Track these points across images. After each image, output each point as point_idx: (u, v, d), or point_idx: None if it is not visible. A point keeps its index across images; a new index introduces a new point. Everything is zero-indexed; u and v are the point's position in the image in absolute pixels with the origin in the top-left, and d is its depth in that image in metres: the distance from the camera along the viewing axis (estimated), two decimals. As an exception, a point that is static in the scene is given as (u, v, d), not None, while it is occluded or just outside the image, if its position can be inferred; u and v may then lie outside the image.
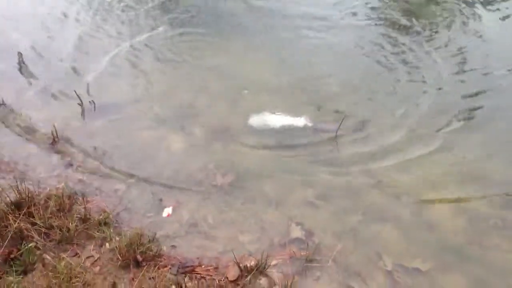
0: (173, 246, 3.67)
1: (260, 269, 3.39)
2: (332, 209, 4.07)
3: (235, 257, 3.42)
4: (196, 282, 3.32)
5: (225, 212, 4.03)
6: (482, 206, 4.19)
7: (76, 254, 3.49)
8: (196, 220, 3.92)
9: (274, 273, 3.42)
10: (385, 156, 4.66)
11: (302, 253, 3.59)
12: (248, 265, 3.42)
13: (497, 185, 4.37)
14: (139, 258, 3.42)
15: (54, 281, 3.20)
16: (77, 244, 3.56)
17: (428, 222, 4.00)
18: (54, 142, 4.73)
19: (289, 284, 3.28)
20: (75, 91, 5.29)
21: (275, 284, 3.33)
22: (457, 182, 4.43)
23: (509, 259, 3.69)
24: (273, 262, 3.49)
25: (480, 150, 4.74)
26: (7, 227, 3.52)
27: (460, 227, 3.98)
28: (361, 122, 5.07)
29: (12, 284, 3.18)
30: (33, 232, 3.52)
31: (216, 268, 3.46)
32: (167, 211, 3.98)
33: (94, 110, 5.29)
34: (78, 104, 5.30)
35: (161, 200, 4.11)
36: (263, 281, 3.36)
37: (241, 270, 3.40)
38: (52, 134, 4.74)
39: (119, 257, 3.41)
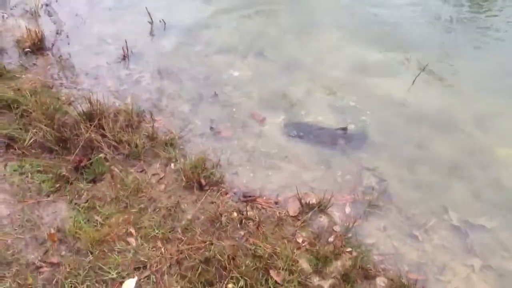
0: (235, 173, 3.68)
1: (321, 207, 3.37)
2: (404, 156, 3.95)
3: (298, 192, 3.40)
4: (257, 211, 3.34)
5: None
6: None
7: (143, 170, 3.56)
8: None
9: (335, 213, 3.38)
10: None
11: (366, 197, 3.52)
12: (310, 202, 3.39)
13: None
14: (203, 181, 3.46)
15: (122, 193, 3.30)
16: (144, 160, 3.63)
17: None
18: (124, 58, 4.74)
19: (350, 225, 3.24)
20: (146, 8, 5.22)
21: (335, 224, 3.31)
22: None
23: None
24: (336, 202, 3.44)
25: None
26: (78, 136, 3.62)
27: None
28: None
29: (82, 191, 3.30)
30: (103, 144, 3.60)
31: (277, 201, 3.45)
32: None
33: (164, 30, 5.23)
34: (148, 22, 5.24)
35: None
36: (323, 219, 3.34)
37: (302, 206, 3.38)
38: (123, 49, 4.74)
39: (183, 178, 3.46)
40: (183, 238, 3.07)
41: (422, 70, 4.68)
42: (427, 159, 3.93)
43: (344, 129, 4.16)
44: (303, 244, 3.12)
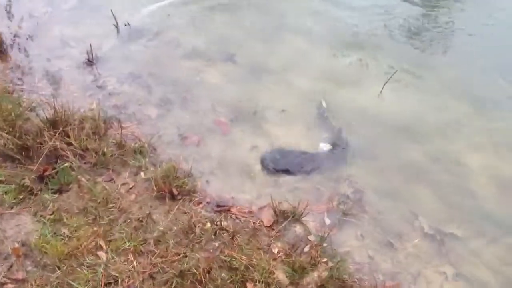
0: (207, 182, 3.59)
1: (296, 217, 3.33)
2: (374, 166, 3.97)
3: (272, 201, 3.35)
4: (231, 222, 3.27)
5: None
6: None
7: (111, 179, 3.43)
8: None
9: (310, 223, 3.35)
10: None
11: (340, 206, 3.51)
12: (284, 211, 3.35)
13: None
14: (175, 191, 3.36)
15: (90, 203, 3.16)
16: (112, 169, 3.49)
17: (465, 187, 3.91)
18: (89, 62, 4.57)
19: (325, 235, 3.22)
20: (111, 11, 5.07)
21: (310, 233, 3.28)
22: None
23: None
24: (310, 212, 3.42)
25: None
26: (42, 144, 3.45)
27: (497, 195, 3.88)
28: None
29: (48, 202, 3.14)
30: (68, 152, 3.44)
31: (251, 211, 3.39)
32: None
33: (130, 32, 5.09)
34: (113, 24, 5.09)
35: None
36: (298, 228, 3.31)
37: (276, 215, 3.34)
38: (87, 53, 4.57)
39: (154, 188, 3.35)
40: (155, 250, 2.96)
41: (390, 77, 4.73)
42: (399, 167, 3.98)
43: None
44: (279, 255, 3.08)
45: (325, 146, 4.04)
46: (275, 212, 3.35)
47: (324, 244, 3.21)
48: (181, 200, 3.36)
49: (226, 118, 4.24)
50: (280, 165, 3.80)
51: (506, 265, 3.35)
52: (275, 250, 3.10)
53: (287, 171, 3.79)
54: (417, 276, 3.17)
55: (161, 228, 3.12)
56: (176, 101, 4.35)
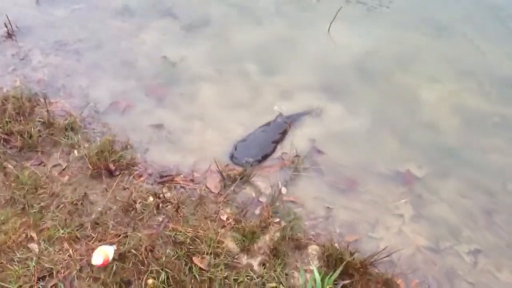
0: (147, 150, 3.33)
1: (245, 178, 3.12)
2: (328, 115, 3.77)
3: (217, 165, 3.13)
4: (175, 192, 3.05)
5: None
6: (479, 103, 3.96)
7: (41, 162, 3.14)
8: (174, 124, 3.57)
9: (260, 183, 3.15)
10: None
11: (293, 161, 3.31)
12: (232, 173, 3.14)
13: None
14: (112, 167, 3.10)
15: (18, 192, 2.88)
16: (41, 151, 3.19)
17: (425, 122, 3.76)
18: (8, 35, 4.15)
19: (276, 194, 3.04)
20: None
21: (261, 194, 3.09)
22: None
23: (506, 161, 3.51)
24: (260, 172, 3.21)
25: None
26: (-42, 132, 3.12)
27: (458, 127, 3.74)
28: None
29: (-30, 197, 2.86)
30: (-11, 139, 3.13)
31: (196, 177, 3.17)
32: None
33: (52, -3, 4.64)
34: (32, -11, 4.63)
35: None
36: (248, 191, 3.11)
37: (223, 179, 3.13)
38: (5, 25, 4.14)
39: (90, 166, 3.08)
40: (93, 234, 2.73)
41: (336, 13, 4.44)
42: (352, 110, 3.78)
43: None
44: (228, 222, 2.89)
45: (279, 108, 3.76)
46: (222, 176, 3.13)
47: (277, 204, 3.02)
48: (120, 175, 3.11)
49: (163, 82, 3.92)
50: (256, 155, 3.40)
51: (464, 198, 3.26)
52: (224, 217, 2.91)
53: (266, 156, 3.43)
54: (375, 223, 3.04)
55: (99, 209, 2.89)
56: (108, 67, 4.00)
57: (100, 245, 2.62)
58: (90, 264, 2.56)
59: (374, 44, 4.41)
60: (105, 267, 2.56)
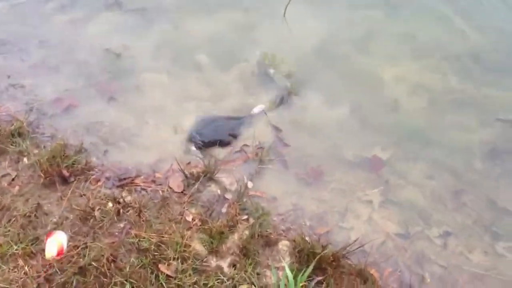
0: (103, 152, 3.15)
1: (209, 175, 2.99)
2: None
3: (178, 164, 2.99)
4: (136, 195, 2.89)
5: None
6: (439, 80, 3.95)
7: (-13, 174, 2.92)
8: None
9: (225, 179, 3.03)
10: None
11: (254, 155, 3.20)
12: (195, 171, 3.00)
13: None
14: (66, 173, 2.91)
15: (-38, 210, 2.66)
16: (-13, 161, 2.96)
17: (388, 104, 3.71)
18: None
19: (242, 189, 2.93)
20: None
21: (227, 190, 2.97)
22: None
23: (470, 138, 3.51)
24: (224, 167, 3.09)
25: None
26: None
27: (420, 107, 3.72)
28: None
29: None
30: None
31: (158, 177, 3.02)
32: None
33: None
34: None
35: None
36: (213, 188, 2.98)
37: (186, 178, 2.99)
38: None
39: (41, 174, 2.87)
40: (49, 248, 2.55)
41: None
42: (314, 97, 3.69)
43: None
44: (194, 223, 2.76)
45: (257, 109, 3.62)
46: (184, 174, 2.99)
47: (244, 200, 2.91)
48: (75, 181, 2.92)
49: (113, 77, 3.72)
50: (207, 136, 3.33)
51: (431, 179, 3.24)
52: (189, 218, 2.78)
53: (216, 142, 3.32)
54: (345, 212, 2.98)
55: (55, 220, 2.70)
56: (54, 65, 3.75)
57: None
58: (48, 280, 2.39)
59: (330, 27, 4.32)
60: (61, 259, 2.43)
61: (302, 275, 2.37)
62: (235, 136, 3.35)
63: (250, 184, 3.01)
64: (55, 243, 2.48)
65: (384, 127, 3.51)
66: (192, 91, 3.68)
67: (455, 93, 3.87)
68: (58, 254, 2.46)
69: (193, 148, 3.26)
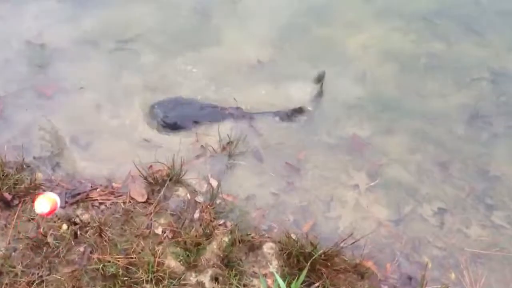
0: (52, 165, 2.75)
1: (175, 178, 2.65)
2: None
3: (137, 168, 2.63)
4: (94, 212, 2.52)
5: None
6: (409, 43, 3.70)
7: None
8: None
9: (194, 180, 2.70)
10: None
11: (224, 147, 2.88)
12: (159, 176, 2.65)
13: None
14: (7, 196, 2.50)
15: None
16: None
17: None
18: None
19: (214, 190, 2.60)
20: None
21: (197, 193, 2.64)
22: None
23: (449, 103, 3.29)
24: (190, 166, 2.75)
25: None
26: None
27: (391, 75, 3.46)
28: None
29: None
30: None
31: (116, 187, 2.65)
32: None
33: None
34: None
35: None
36: (181, 192, 2.64)
37: (150, 184, 2.64)
38: None
39: (-22, 200, 2.46)
40: (-3, 290, 2.17)
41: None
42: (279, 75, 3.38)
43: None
44: (165, 235, 2.43)
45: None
46: (147, 180, 2.63)
47: (217, 201, 2.59)
48: (20, 204, 2.51)
49: (46, 72, 3.28)
50: (170, 118, 3.04)
51: (414, 153, 3.01)
52: (159, 231, 2.45)
53: (176, 126, 3.03)
54: (330, 202, 2.71)
55: (1, 253, 2.30)
56: None
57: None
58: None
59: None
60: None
61: (296, 281, 2.09)
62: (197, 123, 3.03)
63: (214, 183, 2.68)
64: (47, 200, 2.23)
65: (357, 101, 3.24)
66: (136, 81, 3.28)
67: (426, 56, 3.62)
68: (50, 212, 2.25)
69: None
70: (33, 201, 2.50)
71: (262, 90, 3.27)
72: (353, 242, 2.33)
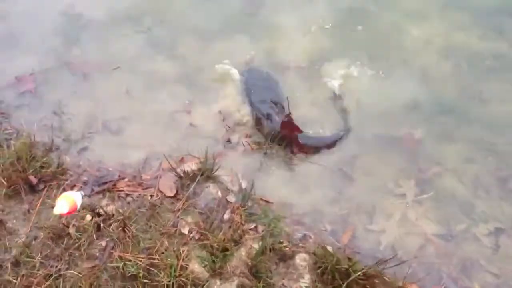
0: (81, 149, 2.62)
1: (207, 173, 2.47)
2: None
3: (168, 161, 2.46)
4: (120, 203, 2.38)
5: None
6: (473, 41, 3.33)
7: None
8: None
9: (226, 177, 2.51)
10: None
11: (257, 146, 2.67)
12: (190, 170, 2.48)
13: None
14: (33, 179, 2.39)
15: None
16: None
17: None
18: None
19: (247, 188, 2.41)
20: None
21: (229, 192, 2.45)
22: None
23: (509, 109, 2.95)
24: (224, 161, 2.57)
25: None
26: None
27: (451, 74, 3.14)
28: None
29: None
30: None
31: (145, 179, 2.50)
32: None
33: None
34: None
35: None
36: (212, 189, 2.46)
37: (180, 178, 2.47)
38: None
39: (4, 181, 2.36)
40: (13, 280, 2.06)
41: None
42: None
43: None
44: (191, 236, 2.26)
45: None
46: (177, 174, 2.47)
47: (250, 203, 2.40)
48: (45, 189, 2.40)
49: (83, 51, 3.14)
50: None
51: (471, 163, 2.74)
52: (185, 230, 2.28)
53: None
54: (373, 211, 2.47)
55: (21, 240, 2.20)
56: (16, 41, 3.17)
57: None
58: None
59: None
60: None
61: (329, 305, 1.89)
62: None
63: (258, 180, 2.48)
64: (66, 200, 2.09)
65: (413, 101, 2.94)
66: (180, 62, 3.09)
67: (494, 57, 3.26)
68: (68, 213, 2.11)
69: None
70: (58, 187, 2.41)
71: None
72: (397, 264, 2.08)
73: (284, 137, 2.63)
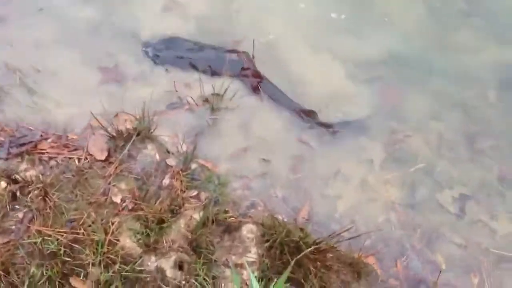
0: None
1: (143, 133, 2.16)
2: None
3: (97, 119, 2.14)
4: (41, 168, 2.06)
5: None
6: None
7: None
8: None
9: (166, 138, 2.22)
10: None
11: (203, 103, 2.37)
12: (124, 129, 2.16)
13: None
14: None
15: None
16: None
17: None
18: None
19: (190, 151, 2.13)
20: None
21: (169, 154, 2.17)
22: None
23: (482, 60, 2.71)
24: (164, 118, 2.26)
25: None
26: None
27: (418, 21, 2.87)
28: None
29: None
30: None
31: (72, 140, 2.18)
32: None
33: None
34: None
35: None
36: (150, 151, 2.17)
37: (113, 138, 2.16)
38: None
39: None
40: None
41: None
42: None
43: None
44: (124, 205, 1.98)
45: None
46: (108, 133, 2.15)
47: (193, 166, 2.12)
48: (-47, 152, 2.06)
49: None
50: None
51: (437, 120, 2.53)
52: (118, 199, 2.00)
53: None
54: (335, 176, 2.23)
55: None
56: None
57: None
58: None
59: None
60: None
61: (275, 284, 1.66)
62: (196, 69, 2.47)
63: (200, 142, 2.21)
64: None
65: (374, 52, 2.67)
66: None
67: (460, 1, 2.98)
68: None
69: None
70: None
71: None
72: (353, 237, 1.87)
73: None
